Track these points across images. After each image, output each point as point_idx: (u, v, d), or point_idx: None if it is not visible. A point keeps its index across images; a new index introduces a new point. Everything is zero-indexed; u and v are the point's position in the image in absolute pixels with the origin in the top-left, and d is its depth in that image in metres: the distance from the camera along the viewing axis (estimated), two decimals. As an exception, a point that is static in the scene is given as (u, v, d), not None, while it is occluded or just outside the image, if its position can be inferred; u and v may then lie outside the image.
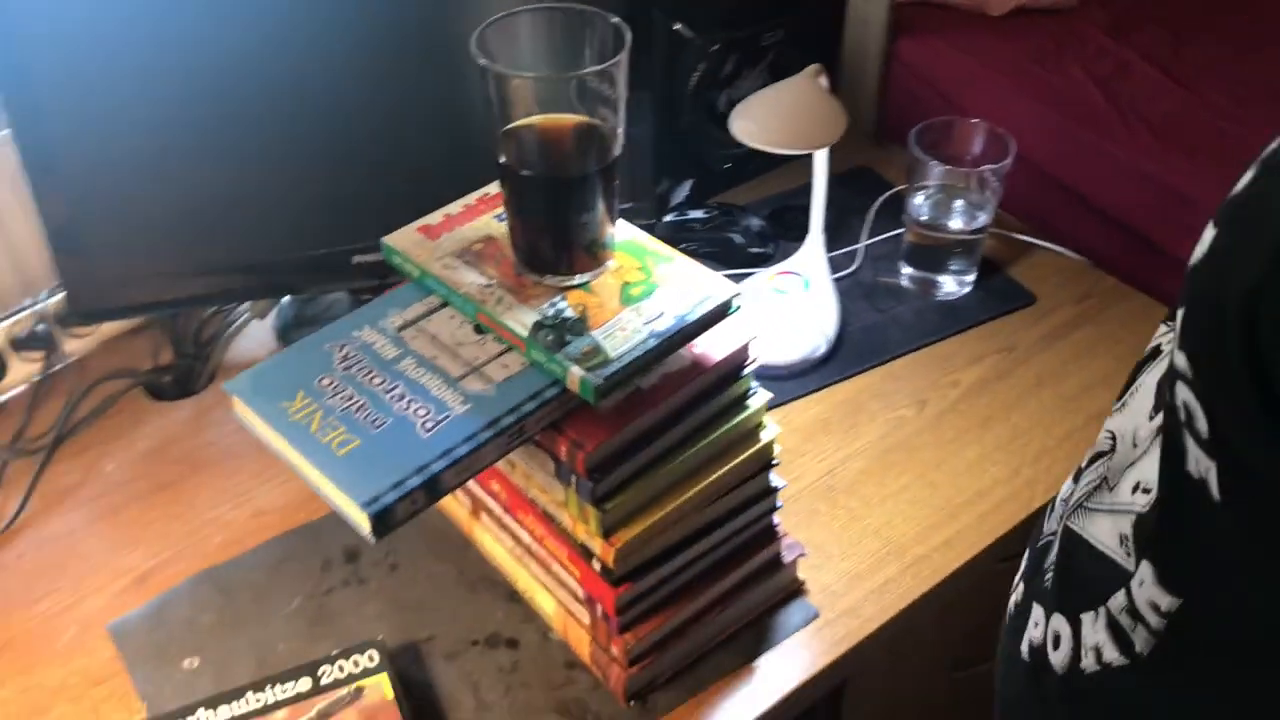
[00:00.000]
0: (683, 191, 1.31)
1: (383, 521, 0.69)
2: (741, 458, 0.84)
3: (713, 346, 0.81)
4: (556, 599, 0.88)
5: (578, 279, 0.80)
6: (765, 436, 0.85)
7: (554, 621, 0.90)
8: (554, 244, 0.79)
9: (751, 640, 0.90)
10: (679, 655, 0.87)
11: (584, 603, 0.85)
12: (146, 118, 0.97)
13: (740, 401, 0.84)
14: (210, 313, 1.17)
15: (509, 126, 0.75)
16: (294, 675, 0.85)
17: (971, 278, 1.22)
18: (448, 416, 0.73)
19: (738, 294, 0.80)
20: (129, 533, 0.99)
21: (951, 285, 1.22)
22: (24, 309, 1.09)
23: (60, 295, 1.09)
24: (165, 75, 0.96)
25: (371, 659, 0.86)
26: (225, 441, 1.08)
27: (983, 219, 1.18)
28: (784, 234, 1.28)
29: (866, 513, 1.00)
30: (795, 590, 0.93)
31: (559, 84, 0.74)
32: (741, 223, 1.27)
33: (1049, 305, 1.21)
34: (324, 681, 0.84)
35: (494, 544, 0.94)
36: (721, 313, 0.79)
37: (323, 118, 1.02)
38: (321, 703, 0.83)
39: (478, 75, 0.72)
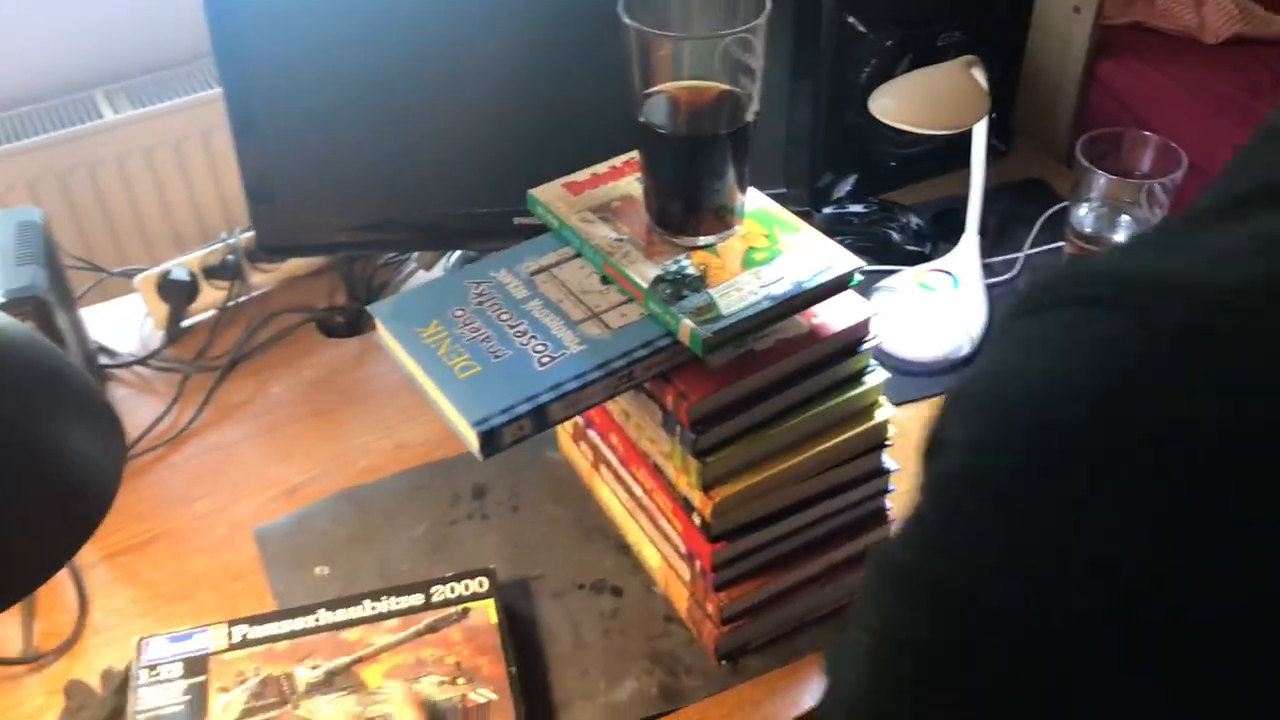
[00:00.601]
0: (845, 186, 1.32)
1: (490, 441, 0.73)
2: (852, 433, 0.84)
3: (832, 318, 0.82)
4: (661, 553, 0.91)
5: (703, 240, 0.82)
6: (880, 416, 0.86)
7: (657, 575, 0.93)
8: (684, 205, 0.82)
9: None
10: (774, 622, 0.89)
11: (684, 558, 0.88)
12: (338, 79, 1.06)
13: (856, 377, 0.85)
14: (382, 261, 1.25)
15: (650, 90, 0.78)
16: (409, 590, 0.90)
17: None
18: (563, 354, 0.77)
19: (859, 267, 0.81)
20: (284, 449, 1.07)
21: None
22: (219, 242, 1.20)
23: (250, 232, 1.19)
24: (357, 40, 1.05)
25: (481, 585, 0.91)
26: (380, 380, 1.15)
27: (1150, 235, 1.14)
28: (944, 236, 1.27)
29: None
30: (900, 577, 0.93)
31: (700, 49, 0.77)
32: (901, 220, 1.27)
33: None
34: (434, 599, 0.90)
35: (610, 496, 0.97)
36: (841, 284, 0.80)
37: (497, 84, 1.08)
38: (430, 617, 0.89)
39: (623, 36, 0.76)
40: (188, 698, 0.84)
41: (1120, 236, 1.15)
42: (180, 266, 1.17)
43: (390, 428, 1.09)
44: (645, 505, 0.91)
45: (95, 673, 0.88)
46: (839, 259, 0.81)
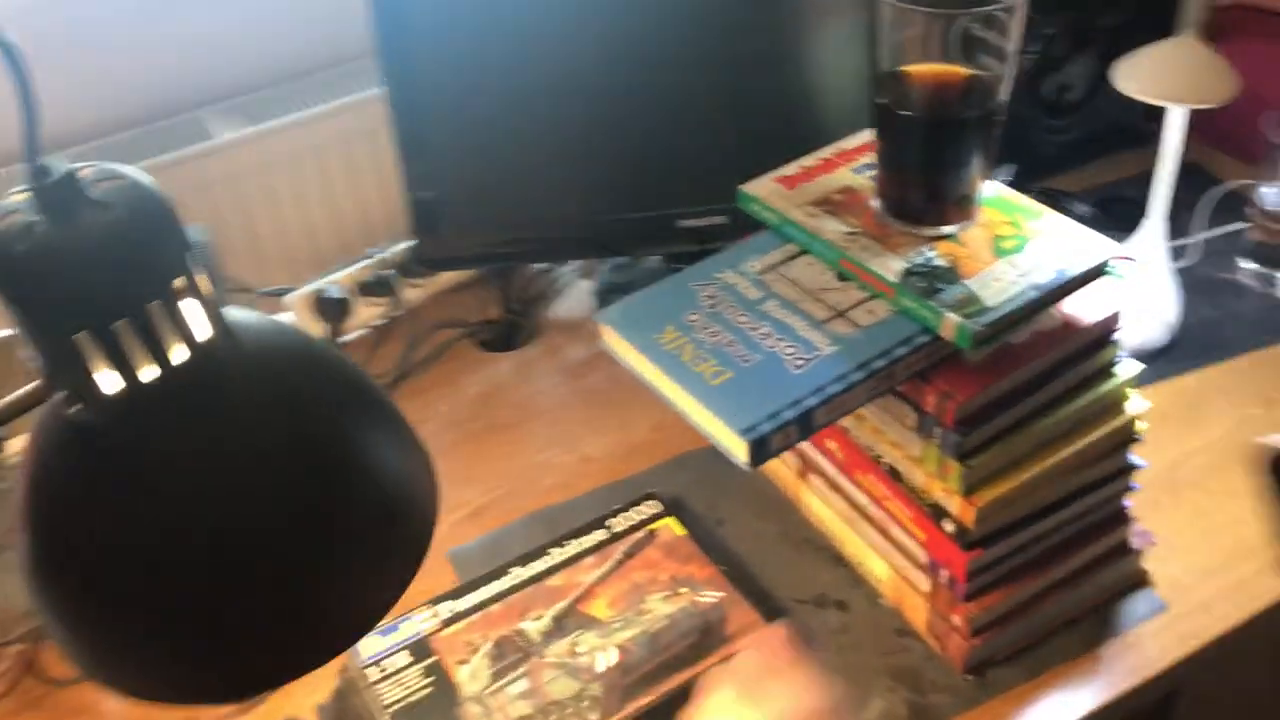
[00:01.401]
0: (1004, 175, 1.27)
1: (760, 450, 0.69)
2: (1106, 429, 0.80)
3: (1083, 309, 0.77)
4: (891, 564, 0.86)
5: (946, 230, 0.78)
6: (1130, 410, 0.81)
7: (885, 588, 0.88)
8: (926, 192, 0.78)
9: (1094, 627, 0.86)
10: (1020, 633, 0.84)
11: (925, 569, 0.83)
12: (499, 87, 1.02)
13: (1107, 370, 0.80)
14: (536, 272, 1.21)
15: (892, 69, 0.74)
16: (587, 530, 0.92)
17: (1324, 278, 1.14)
18: (816, 356, 0.73)
19: (1116, 253, 0.76)
20: (465, 469, 1.03)
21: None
22: (369, 257, 1.16)
23: (401, 246, 1.16)
24: (519, 45, 1.01)
25: (653, 506, 0.93)
26: (552, 392, 1.11)
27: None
28: (1112, 224, 1.22)
29: (1214, 508, 0.94)
30: (1140, 581, 0.88)
31: (946, 30, 0.72)
32: (1069, 208, 1.22)
33: None
34: (616, 530, 0.91)
35: (822, 506, 0.93)
36: (1099, 271, 0.76)
37: (657, 85, 1.04)
38: (623, 546, 0.90)
39: (867, 16, 0.72)
40: (431, 679, 0.82)
41: (1313, 215, 1.10)
42: (333, 284, 1.13)
43: (572, 441, 1.05)
44: (872, 515, 0.87)
45: (306, 709, 0.84)
46: (1095, 245, 0.76)
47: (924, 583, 0.84)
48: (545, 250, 1.12)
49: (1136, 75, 1.02)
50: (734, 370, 0.73)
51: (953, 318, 0.71)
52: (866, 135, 0.88)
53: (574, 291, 1.21)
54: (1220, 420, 1.02)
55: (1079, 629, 0.86)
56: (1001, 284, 0.74)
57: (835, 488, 0.90)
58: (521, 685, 0.81)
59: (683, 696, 0.79)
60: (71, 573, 0.46)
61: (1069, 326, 0.77)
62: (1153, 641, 0.85)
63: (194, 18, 1.19)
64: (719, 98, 1.06)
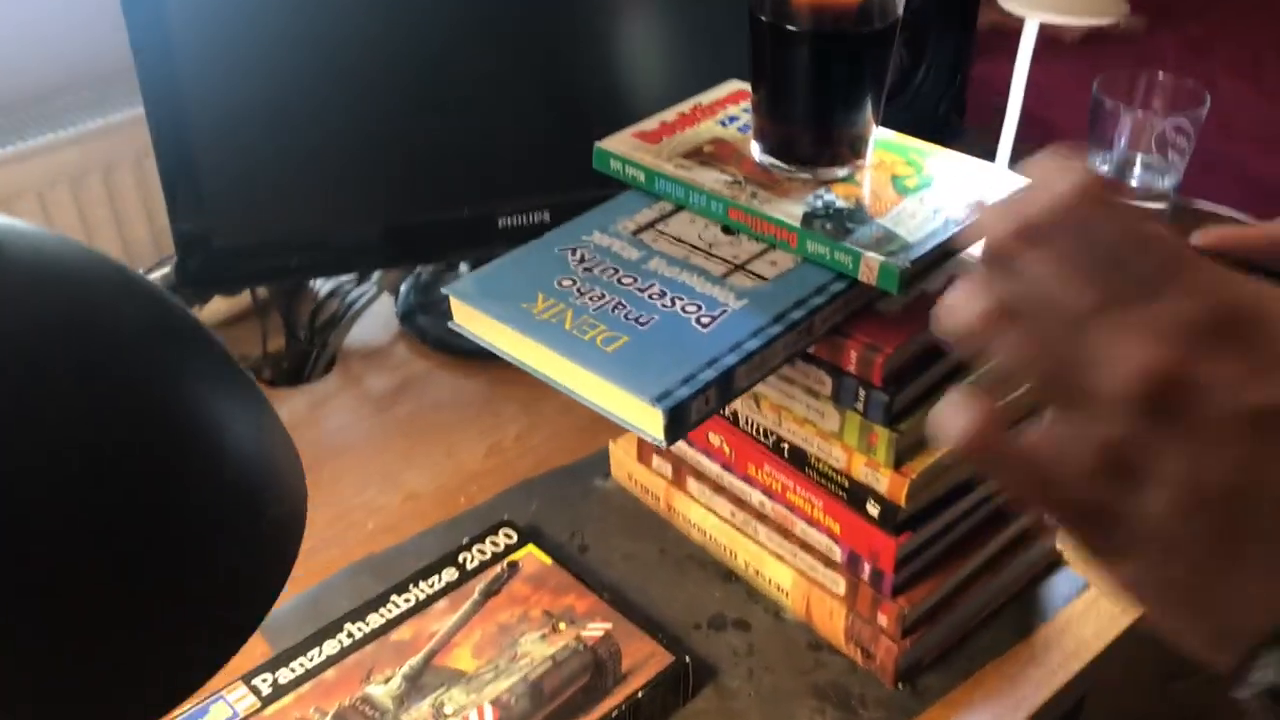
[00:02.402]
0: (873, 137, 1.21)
1: (677, 420, 0.56)
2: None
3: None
4: (796, 569, 0.75)
5: (839, 171, 0.68)
6: (1043, 363, 0.73)
7: (790, 598, 0.76)
8: (815, 130, 0.68)
9: (1019, 615, 0.77)
10: (946, 629, 0.74)
11: (840, 567, 0.72)
12: (279, 79, 0.87)
13: (1019, 319, 0.72)
14: (326, 294, 1.04)
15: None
16: (435, 569, 0.76)
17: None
18: (724, 311, 0.61)
19: (1027, 184, 0.69)
20: (264, 521, 0.85)
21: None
22: (122, 286, 0.96)
23: (165, 269, 0.97)
24: (293, 40, 0.86)
25: (509, 536, 0.78)
26: (357, 427, 0.94)
27: (1168, 183, 1.08)
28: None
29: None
30: (1056, 560, 0.81)
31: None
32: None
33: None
34: (470, 566, 0.76)
35: (704, 514, 0.80)
36: (1012, 205, 0.68)
37: (452, 70, 0.91)
38: (480, 583, 0.74)
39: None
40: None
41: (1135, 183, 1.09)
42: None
43: (392, 478, 0.88)
44: (769, 514, 0.75)
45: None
46: (1001, 177, 0.69)
47: (839, 584, 0.73)
48: (338, 262, 0.96)
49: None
50: (630, 334, 0.60)
51: (874, 257, 0.61)
52: (726, 88, 0.78)
53: (373, 313, 1.05)
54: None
55: (1004, 620, 0.77)
56: (917, 220, 0.65)
57: (720, 489, 0.78)
58: (381, 764, 0.64)
59: (584, 751, 0.65)
60: None
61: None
62: (1084, 620, 0.77)
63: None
64: (532, 75, 0.93)
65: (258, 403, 0.39)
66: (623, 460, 0.85)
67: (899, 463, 0.66)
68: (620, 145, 0.72)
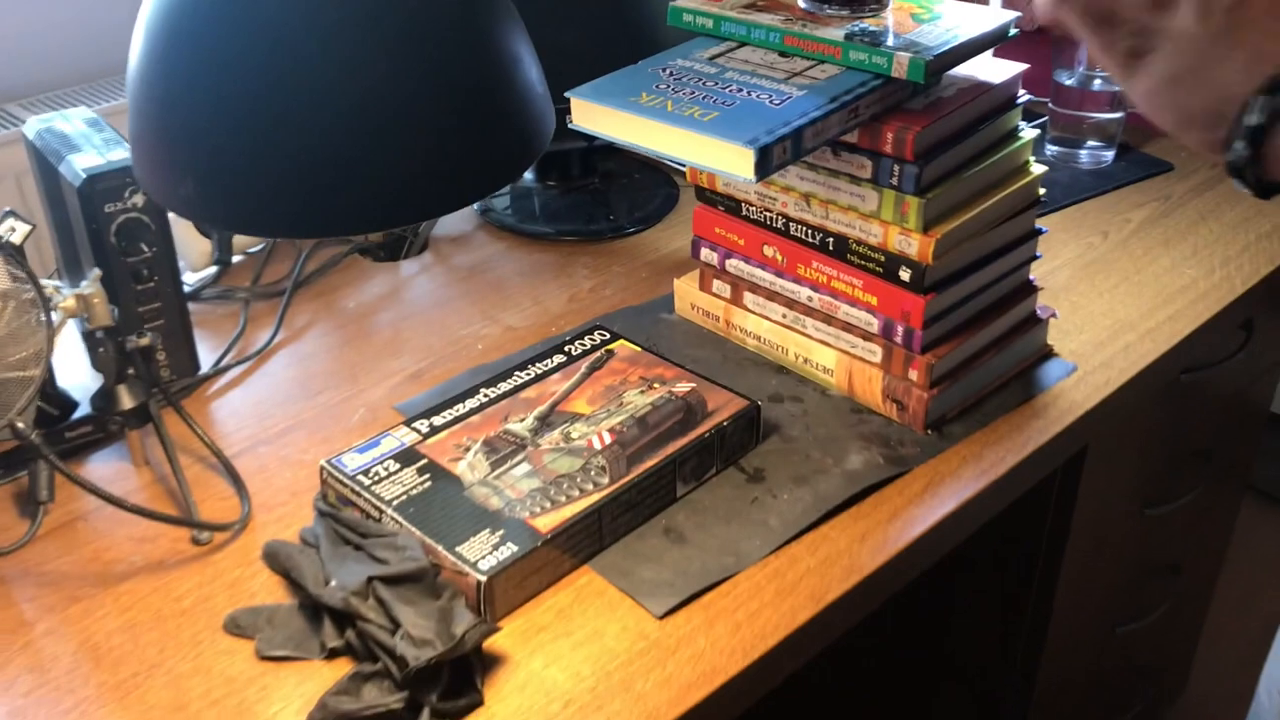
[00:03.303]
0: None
1: (764, 159, 0.74)
2: (1020, 184, 0.90)
3: (992, 72, 0.88)
4: (838, 349, 0.92)
5: (869, 9, 0.87)
6: (1034, 171, 0.91)
7: (835, 376, 0.93)
8: (850, -22, 0.87)
9: (1021, 389, 0.94)
10: (965, 389, 0.91)
11: (877, 338, 0.89)
12: None
13: (1014, 134, 0.91)
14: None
15: None
16: (545, 355, 0.93)
17: (1110, 154, 1.32)
18: (789, 98, 0.79)
19: (1015, 19, 0.87)
20: (389, 346, 1.01)
21: (1089, 159, 1.31)
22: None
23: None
24: None
25: (603, 334, 0.95)
26: (456, 286, 1.11)
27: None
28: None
29: (1088, 304, 1.06)
30: (1048, 353, 0.98)
31: None
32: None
33: (1187, 170, 1.30)
34: (573, 353, 0.93)
35: (758, 322, 0.97)
36: (1004, 32, 0.87)
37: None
38: (586, 362, 0.91)
39: None
40: (427, 475, 0.78)
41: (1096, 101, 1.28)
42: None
43: (491, 315, 1.05)
44: (816, 306, 0.92)
45: (289, 536, 0.79)
46: (996, 14, 0.87)
47: (876, 353, 0.90)
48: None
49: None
50: (719, 111, 0.78)
51: (904, 54, 0.80)
52: None
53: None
54: (1066, 248, 1.15)
55: (1009, 391, 0.94)
56: (932, 36, 0.83)
57: (773, 295, 0.95)
58: (524, 468, 0.80)
59: (683, 458, 0.81)
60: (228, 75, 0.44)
61: (984, 84, 0.87)
62: (1072, 393, 0.94)
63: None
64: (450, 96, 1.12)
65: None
66: (685, 292, 1.03)
67: (928, 226, 0.83)
68: (690, 2, 0.90)
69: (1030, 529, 1.10)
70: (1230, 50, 0.50)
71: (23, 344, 0.78)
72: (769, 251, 0.94)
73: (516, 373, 0.90)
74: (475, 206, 1.23)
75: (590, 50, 1.08)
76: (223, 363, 0.98)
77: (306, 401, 0.94)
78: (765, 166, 0.74)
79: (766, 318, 0.97)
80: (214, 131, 0.45)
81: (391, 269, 1.14)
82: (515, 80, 0.53)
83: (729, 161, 0.75)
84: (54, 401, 0.87)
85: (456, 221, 1.22)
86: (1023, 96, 0.90)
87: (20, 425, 0.73)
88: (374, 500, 0.77)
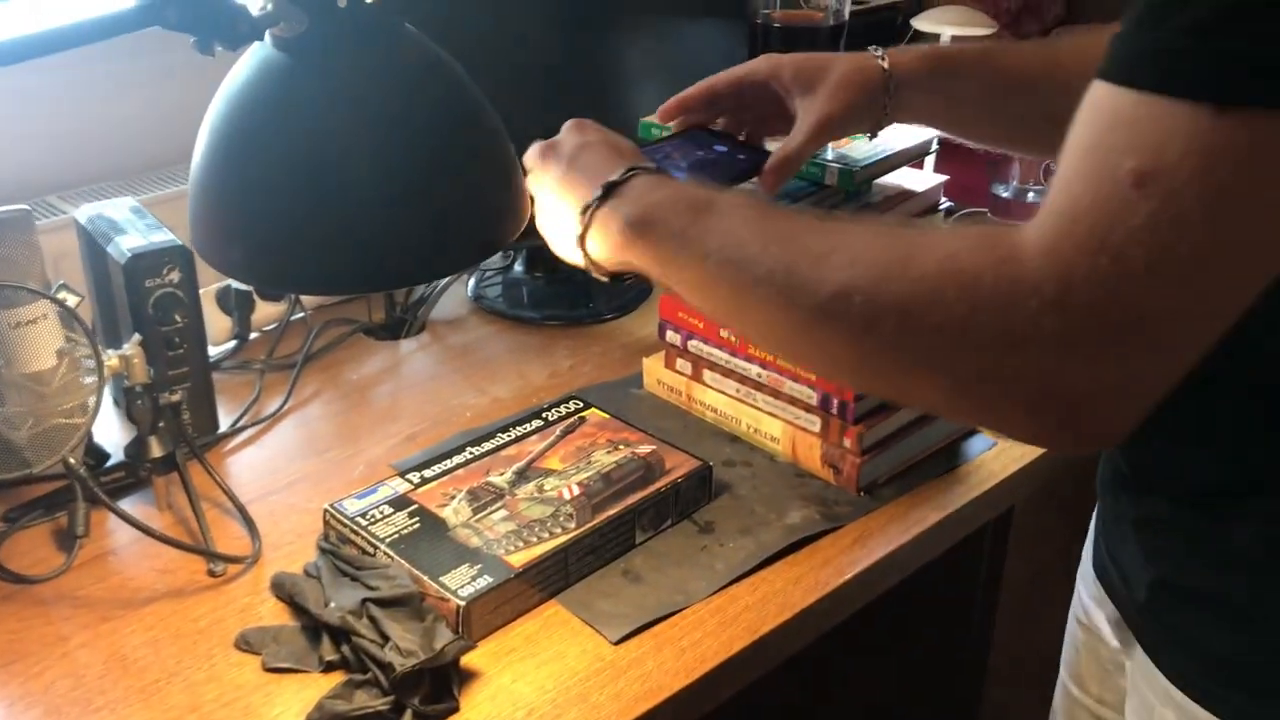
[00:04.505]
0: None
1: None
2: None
3: (918, 182, 1.02)
4: (783, 420, 1.04)
5: (810, 130, 1.01)
6: (954, 269, 1.05)
7: (780, 445, 1.05)
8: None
9: (947, 459, 1.06)
10: (895, 457, 1.03)
11: (816, 410, 1.01)
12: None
13: (936, 235, 1.04)
14: (416, 279, 1.35)
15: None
16: (524, 420, 1.05)
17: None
18: (737, 200, 0.93)
19: (934, 139, 1.02)
20: (388, 413, 1.13)
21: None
22: (266, 264, 1.27)
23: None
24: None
25: (577, 404, 1.07)
26: (449, 363, 1.23)
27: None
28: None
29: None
30: (972, 429, 1.10)
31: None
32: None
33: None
34: (550, 419, 1.05)
35: (716, 397, 1.10)
36: (926, 149, 1.01)
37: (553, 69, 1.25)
38: (559, 427, 1.03)
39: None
40: (416, 518, 0.90)
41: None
42: (239, 281, 1.23)
43: (479, 388, 1.18)
44: (765, 382, 1.05)
45: (293, 569, 0.90)
46: (920, 134, 1.02)
47: (816, 424, 1.02)
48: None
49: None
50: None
51: (835, 166, 0.94)
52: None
53: (451, 294, 1.35)
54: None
55: (936, 461, 1.06)
56: (861, 151, 0.97)
57: (729, 373, 1.08)
58: (502, 513, 0.92)
59: (641, 509, 0.93)
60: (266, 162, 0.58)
61: (907, 192, 1.01)
62: (993, 463, 1.06)
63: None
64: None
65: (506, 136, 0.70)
66: (652, 369, 1.15)
67: (855, 313, 0.96)
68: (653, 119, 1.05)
69: (967, 580, 1.21)
70: (574, 183, 0.75)
71: (73, 396, 0.90)
72: (724, 333, 1.07)
73: (499, 434, 1.02)
74: (469, 293, 1.37)
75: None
76: (239, 423, 1.10)
77: (312, 458, 1.06)
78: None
79: (723, 392, 1.09)
80: (263, 212, 0.58)
81: (392, 347, 1.27)
82: (502, 174, 0.67)
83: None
84: (89, 452, 0.99)
85: (452, 306, 1.35)
86: (945, 204, 1.04)
87: (72, 461, 0.85)
88: (370, 538, 0.88)
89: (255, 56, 0.61)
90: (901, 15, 1.59)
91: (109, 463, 0.98)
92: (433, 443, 1.08)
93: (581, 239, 0.74)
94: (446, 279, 1.35)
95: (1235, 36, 0.47)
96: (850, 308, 0.57)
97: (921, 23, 1.35)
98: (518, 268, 1.39)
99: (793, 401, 1.03)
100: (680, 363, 1.12)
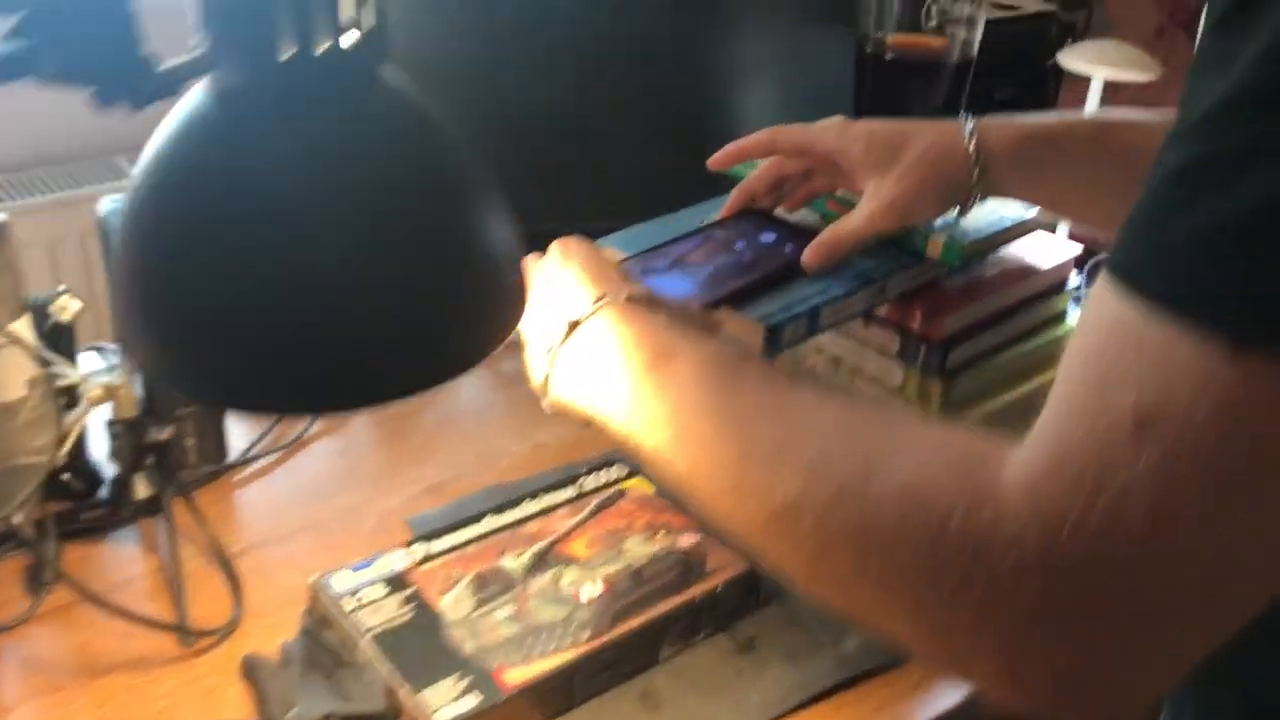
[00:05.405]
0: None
1: (774, 338, 0.72)
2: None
3: (1043, 254, 0.85)
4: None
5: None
6: (1079, 359, 0.88)
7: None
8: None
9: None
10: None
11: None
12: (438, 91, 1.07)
13: (1061, 316, 0.87)
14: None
15: (876, 35, 0.83)
16: (558, 486, 0.91)
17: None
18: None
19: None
20: (416, 453, 1.02)
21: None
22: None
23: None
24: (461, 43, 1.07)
25: (621, 470, 0.93)
26: (496, 394, 1.11)
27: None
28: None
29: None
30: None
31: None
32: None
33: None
34: (586, 488, 0.91)
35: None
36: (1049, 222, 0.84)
37: (589, 105, 1.11)
38: (595, 500, 0.90)
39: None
40: (410, 605, 0.78)
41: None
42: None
43: (523, 431, 1.05)
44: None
45: (270, 650, 0.80)
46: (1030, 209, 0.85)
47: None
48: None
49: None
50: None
51: (940, 236, 0.78)
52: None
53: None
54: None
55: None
56: (975, 219, 0.81)
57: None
58: (507, 610, 0.79)
59: (672, 619, 0.79)
60: (197, 245, 0.45)
61: (1028, 269, 0.84)
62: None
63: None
64: (648, 115, 1.13)
65: (507, 214, 0.57)
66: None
67: (951, 410, 0.81)
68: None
69: None
70: (544, 319, 0.69)
71: (47, 431, 0.80)
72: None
73: (527, 500, 0.90)
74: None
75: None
76: (251, 452, 1.00)
77: (323, 503, 0.95)
78: (776, 345, 0.73)
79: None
80: (168, 304, 0.47)
81: (440, 367, 1.15)
82: (491, 268, 0.54)
83: (742, 330, 0.74)
84: (83, 475, 0.90)
85: (513, 323, 1.23)
86: (1074, 281, 0.87)
87: (17, 520, 0.75)
88: (353, 627, 0.77)
89: (190, 104, 0.48)
90: (1055, 25, 1.39)
91: (96, 495, 0.89)
92: (460, 493, 0.96)
93: (544, 384, 0.67)
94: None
95: (1253, 254, 0.37)
96: (800, 527, 0.49)
97: (1071, 60, 1.16)
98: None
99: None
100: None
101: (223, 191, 0.45)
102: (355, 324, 0.47)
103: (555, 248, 0.73)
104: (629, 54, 1.08)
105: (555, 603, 0.80)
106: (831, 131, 0.75)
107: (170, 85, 0.44)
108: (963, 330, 0.79)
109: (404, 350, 0.49)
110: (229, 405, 0.49)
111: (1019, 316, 0.83)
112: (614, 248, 0.81)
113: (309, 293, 0.46)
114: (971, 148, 0.71)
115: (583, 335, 0.65)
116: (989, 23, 1.36)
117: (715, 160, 0.82)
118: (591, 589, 0.81)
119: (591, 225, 1.11)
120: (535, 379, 0.69)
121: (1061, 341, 0.87)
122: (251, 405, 0.50)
